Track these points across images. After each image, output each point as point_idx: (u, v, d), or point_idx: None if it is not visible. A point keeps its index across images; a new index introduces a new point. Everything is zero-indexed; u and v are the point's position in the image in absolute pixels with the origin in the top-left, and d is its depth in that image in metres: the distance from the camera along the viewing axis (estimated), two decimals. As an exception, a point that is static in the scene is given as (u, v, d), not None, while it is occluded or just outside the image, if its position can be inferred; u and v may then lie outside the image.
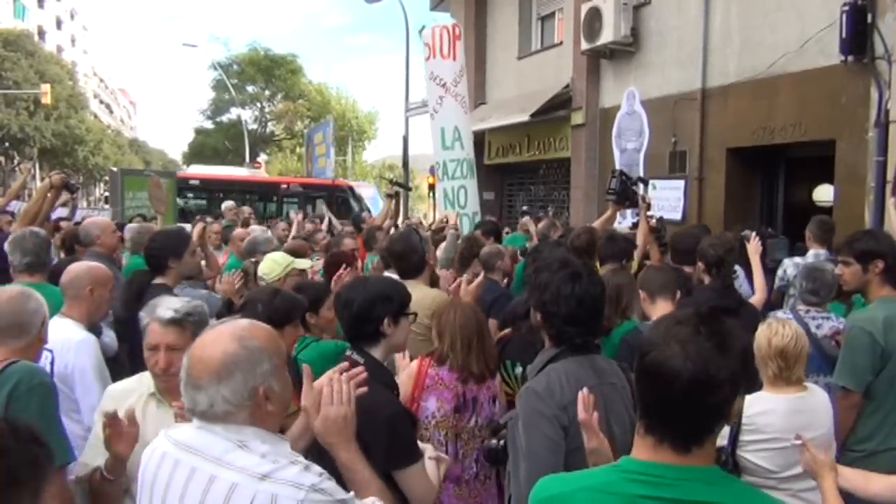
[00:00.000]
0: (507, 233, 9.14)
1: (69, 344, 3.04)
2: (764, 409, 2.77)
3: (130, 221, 10.83)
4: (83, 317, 3.24)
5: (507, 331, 3.93)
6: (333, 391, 1.96)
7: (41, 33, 55.93)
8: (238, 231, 6.99)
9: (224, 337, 1.70)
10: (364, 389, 2.01)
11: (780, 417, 2.73)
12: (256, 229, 7.29)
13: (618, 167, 10.61)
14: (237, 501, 1.58)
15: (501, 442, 2.62)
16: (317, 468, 1.67)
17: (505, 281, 5.23)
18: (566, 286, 2.36)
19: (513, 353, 3.70)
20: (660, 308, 3.53)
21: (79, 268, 3.38)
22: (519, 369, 3.68)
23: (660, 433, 1.43)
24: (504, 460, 2.59)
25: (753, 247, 4.72)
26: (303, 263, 4.47)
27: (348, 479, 1.91)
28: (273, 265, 4.32)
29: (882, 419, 3.31)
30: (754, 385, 2.73)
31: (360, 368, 2.07)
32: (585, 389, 1.99)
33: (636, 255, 5.19)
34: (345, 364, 2.09)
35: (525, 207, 10.14)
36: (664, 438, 1.43)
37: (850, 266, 3.51)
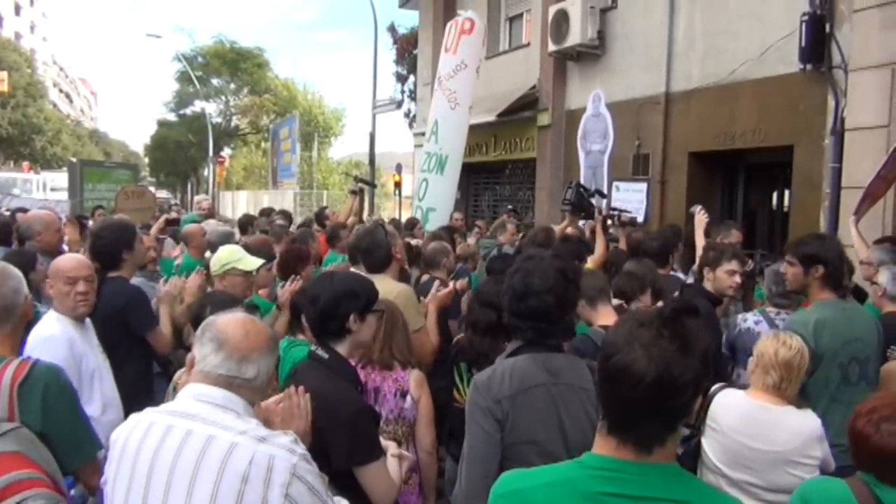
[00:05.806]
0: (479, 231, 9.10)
1: (37, 340, 2.99)
2: (728, 403, 2.84)
3: (91, 213, 10.64)
4: (69, 310, 3.19)
5: (460, 336, 3.88)
6: (293, 405, 2.07)
7: (-2, 19, 54.49)
8: (190, 227, 6.64)
9: (254, 321, 1.92)
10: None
11: (735, 418, 2.79)
12: (212, 223, 7.09)
13: (582, 168, 10.74)
14: (235, 460, 1.65)
15: None
16: (301, 443, 1.81)
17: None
18: (511, 279, 2.40)
19: (467, 357, 3.59)
20: (602, 313, 3.49)
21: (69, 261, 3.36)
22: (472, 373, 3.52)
23: (623, 435, 1.43)
24: None
25: (698, 220, 4.80)
26: (248, 264, 4.28)
27: None
28: (215, 261, 4.20)
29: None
30: (710, 383, 2.80)
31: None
32: None
33: (592, 262, 5.26)
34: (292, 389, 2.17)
35: (510, 207, 10.15)
36: (627, 440, 1.43)
37: (793, 267, 3.55)
